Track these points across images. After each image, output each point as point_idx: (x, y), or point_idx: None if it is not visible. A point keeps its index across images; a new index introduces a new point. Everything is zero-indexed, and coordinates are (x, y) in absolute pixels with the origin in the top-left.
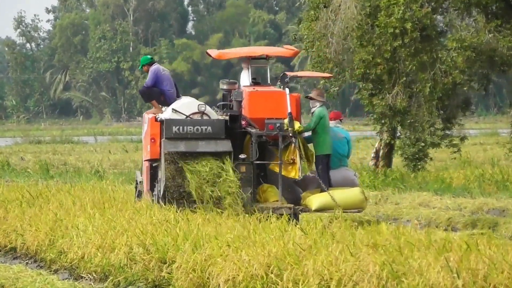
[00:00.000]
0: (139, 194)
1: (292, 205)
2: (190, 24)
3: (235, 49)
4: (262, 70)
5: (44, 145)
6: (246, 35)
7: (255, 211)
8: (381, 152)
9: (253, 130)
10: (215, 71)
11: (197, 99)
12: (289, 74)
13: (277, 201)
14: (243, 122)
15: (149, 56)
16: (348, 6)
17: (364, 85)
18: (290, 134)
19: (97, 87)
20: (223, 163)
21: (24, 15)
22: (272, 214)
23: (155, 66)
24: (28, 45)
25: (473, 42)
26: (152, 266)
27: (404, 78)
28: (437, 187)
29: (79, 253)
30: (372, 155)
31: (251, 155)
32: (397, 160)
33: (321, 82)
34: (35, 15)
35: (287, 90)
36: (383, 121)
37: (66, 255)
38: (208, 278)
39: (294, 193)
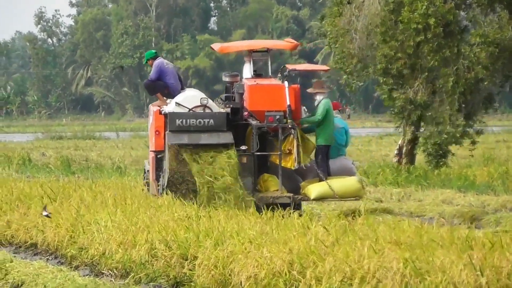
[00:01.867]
0: (148, 183)
1: (291, 194)
2: (212, 19)
3: (236, 42)
4: (263, 62)
5: (66, 140)
6: (269, 31)
7: (252, 202)
8: (404, 149)
9: (253, 122)
10: (238, 67)
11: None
12: (288, 67)
13: (277, 190)
14: (245, 113)
15: (153, 51)
16: (371, 2)
17: (385, 79)
18: (289, 126)
19: (119, 83)
20: (225, 155)
21: (45, 10)
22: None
23: (159, 60)
24: (49, 40)
25: (497, 38)
26: (174, 262)
27: (426, 73)
28: (461, 184)
29: (100, 249)
30: (395, 152)
31: (252, 146)
32: (420, 157)
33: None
34: (56, 10)
35: (286, 83)
36: (402, 115)
37: (87, 251)
38: (230, 275)
39: (293, 182)
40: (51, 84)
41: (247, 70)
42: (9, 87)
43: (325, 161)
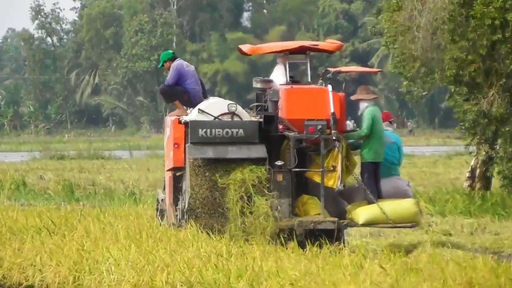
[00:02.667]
0: (161, 215)
1: (336, 219)
2: (245, 15)
3: (269, 43)
4: (304, 66)
5: (68, 161)
6: (315, 28)
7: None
8: (477, 171)
9: (291, 134)
10: None
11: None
12: (332, 70)
13: (319, 214)
14: (280, 126)
15: (170, 51)
16: None
17: (457, 89)
18: (334, 138)
19: (133, 91)
20: (257, 172)
21: (43, 3)
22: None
23: (177, 62)
24: (48, 39)
25: None
26: None
27: (503, 80)
28: None
29: None
30: (467, 174)
31: (289, 161)
32: (497, 181)
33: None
34: (54, 4)
35: (329, 87)
36: (475, 131)
37: None
38: None
39: (337, 205)
40: (51, 92)
41: (281, 74)
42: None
43: (373, 181)
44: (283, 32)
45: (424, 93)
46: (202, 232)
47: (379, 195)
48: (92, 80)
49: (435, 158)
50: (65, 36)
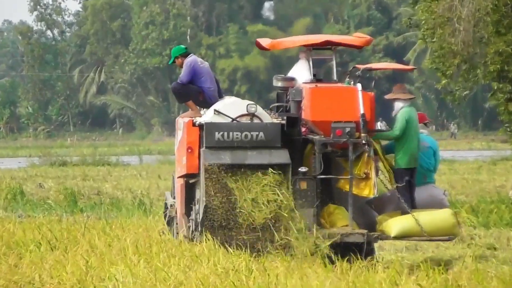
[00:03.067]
0: (170, 221)
1: (365, 231)
2: (267, 5)
3: (292, 37)
4: (327, 63)
5: (71, 167)
6: (344, 20)
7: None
8: None
9: (316, 137)
10: None
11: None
12: (361, 66)
13: (346, 225)
14: (303, 129)
15: (183, 46)
16: None
17: (501, 85)
18: (363, 142)
19: (143, 90)
20: (279, 179)
21: None
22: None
23: (191, 58)
24: (49, 32)
25: None
26: None
27: None
28: None
29: None
30: None
31: (314, 168)
32: None
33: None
34: None
35: (359, 85)
36: None
37: None
38: None
39: (367, 216)
40: (51, 92)
41: (304, 71)
42: None
43: (407, 189)
44: (309, 24)
45: (466, 92)
46: (219, 246)
47: (413, 205)
48: (97, 78)
49: (478, 163)
50: (67, 29)
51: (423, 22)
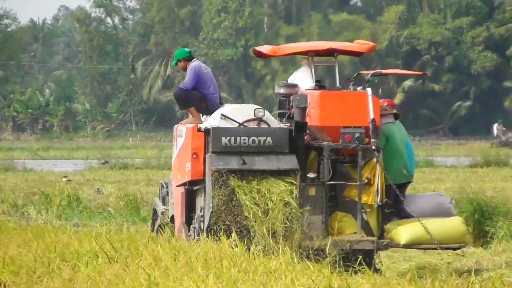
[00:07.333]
0: (158, 228)
1: (375, 238)
2: None
3: (294, 43)
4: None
5: (133, 171)
6: (441, 8)
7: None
8: None
9: (325, 143)
10: (391, 61)
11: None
12: (369, 72)
13: (355, 233)
14: (305, 137)
15: (187, 49)
16: None
17: None
18: (373, 147)
19: None
20: (288, 185)
21: None
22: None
23: (195, 63)
24: (108, 20)
25: None
26: None
27: None
28: None
29: None
30: None
31: (322, 174)
32: None
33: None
34: None
35: (369, 90)
36: None
37: None
38: None
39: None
40: (112, 86)
41: (306, 77)
42: (48, 90)
43: (397, 204)
44: (401, 12)
45: None
46: (297, 261)
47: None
48: (163, 72)
49: None
50: (129, 17)
51: None
